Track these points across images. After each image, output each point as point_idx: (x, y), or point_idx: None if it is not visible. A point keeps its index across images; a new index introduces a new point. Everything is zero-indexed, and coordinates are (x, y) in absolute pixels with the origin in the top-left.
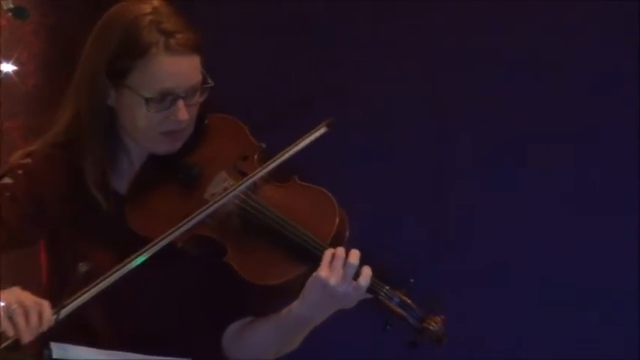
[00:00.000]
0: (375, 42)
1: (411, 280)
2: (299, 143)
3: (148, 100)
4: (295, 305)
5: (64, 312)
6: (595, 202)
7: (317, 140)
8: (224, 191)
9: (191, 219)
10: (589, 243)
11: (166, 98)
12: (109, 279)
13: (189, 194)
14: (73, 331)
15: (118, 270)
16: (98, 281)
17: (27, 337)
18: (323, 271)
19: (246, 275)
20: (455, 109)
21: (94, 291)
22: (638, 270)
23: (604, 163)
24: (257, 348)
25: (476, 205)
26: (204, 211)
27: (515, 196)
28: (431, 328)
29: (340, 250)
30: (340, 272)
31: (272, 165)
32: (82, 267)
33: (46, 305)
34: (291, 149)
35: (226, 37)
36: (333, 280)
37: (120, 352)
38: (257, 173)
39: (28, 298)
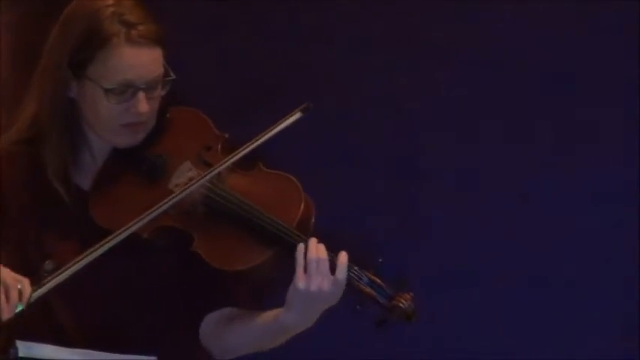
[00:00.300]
0: (342, 40)
1: (379, 260)
2: (274, 128)
3: (107, 91)
4: (282, 315)
5: (43, 290)
6: (559, 197)
7: (292, 125)
8: (189, 181)
9: (155, 209)
10: (552, 236)
11: (127, 90)
12: (89, 257)
13: (154, 186)
14: (40, 328)
15: (97, 249)
16: (77, 259)
17: (6, 315)
18: (300, 281)
19: (214, 262)
20: (423, 105)
21: (73, 269)
22: (616, 267)
23: (569, 161)
24: (239, 346)
25: (442, 192)
26: (168, 201)
27: (480, 189)
28: (400, 305)
29: (311, 253)
30: (316, 274)
31: (245, 150)
32: (49, 265)
33: (26, 283)
34: (266, 134)
35: (191, 30)
36: (313, 285)
37: (87, 351)
38: (236, 155)
39: (9, 275)
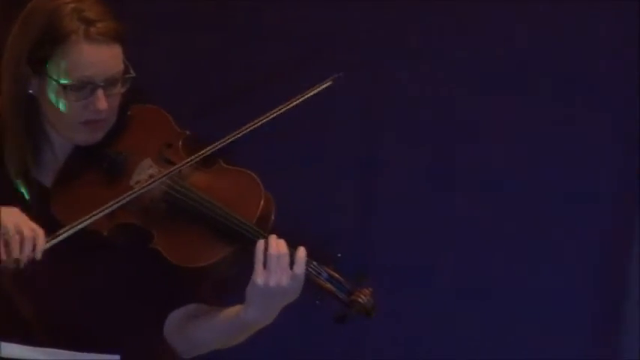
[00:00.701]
0: (307, 39)
1: (339, 255)
2: (304, 95)
3: (66, 88)
4: (243, 311)
5: (55, 241)
6: (525, 196)
7: (320, 94)
8: (149, 178)
9: (112, 204)
10: (517, 234)
11: (85, 87)
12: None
13: (115, 183)
14: (6, 326)
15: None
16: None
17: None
18: (259, 277)
19: (174, 259)
20: (386, 104)
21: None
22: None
23: (527, 160)
24: (203, 342)
25: (402, 188)
26: (126, 197)
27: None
28: (360, 300)
29: (272, 249)
30: (275, 269)
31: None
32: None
33: (41, 235)
34: (294, 101)
35: (153, 27)
36: (272, 281)
37: (49, 349)
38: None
39: (26, 225)
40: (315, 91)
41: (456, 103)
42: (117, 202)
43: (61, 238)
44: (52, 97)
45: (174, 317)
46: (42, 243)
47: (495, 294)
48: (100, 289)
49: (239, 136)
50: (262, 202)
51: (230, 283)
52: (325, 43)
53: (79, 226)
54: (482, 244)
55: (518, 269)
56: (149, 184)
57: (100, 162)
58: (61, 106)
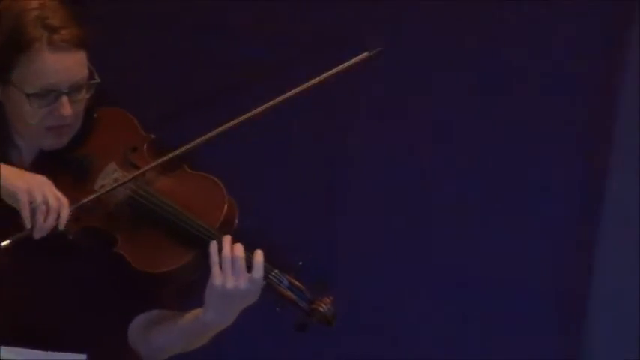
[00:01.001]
0: (265, 39)
1: (300, 263)
2: (343, 65)
3: (30, 96)
4: (202, 314)
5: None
6: (481, 196)
7: (357, 65)
8: (114, 182)
9: (73, 207)
10: (475, 234)
11: (49, 94)
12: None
13: (80, 186)
14: None
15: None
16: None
17: (39, 235)
18: (217, 279)
19: (137, 264)
20: (349, 108)
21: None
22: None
23: (493, 158)
24: (165, 346)
25: (361, 196)
26: (86, 200)
27: (404, 187)
28: (320, 309)
29: (226, 251)
30: (232, 272)
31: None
32: None
33: (66, 207)
34: (333, 71)
35: (118, 32)
36: (229, 283)
37: (17, 349)
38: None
39: (52, 195)
40: (352, 63)
41: (419, 108)
42: (77, 205)
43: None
44: (16, 104)
45: (138, 322)
46: (66, 214)
47: (460, 297)
48: (65, 291)
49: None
50: (225, 208)
51: (193, 288)
52: (285, 44)
53: None
54: (446, 249)
55: (484, 270)
56: (112, 188)
57: (65, 166)
58: (26, 113)
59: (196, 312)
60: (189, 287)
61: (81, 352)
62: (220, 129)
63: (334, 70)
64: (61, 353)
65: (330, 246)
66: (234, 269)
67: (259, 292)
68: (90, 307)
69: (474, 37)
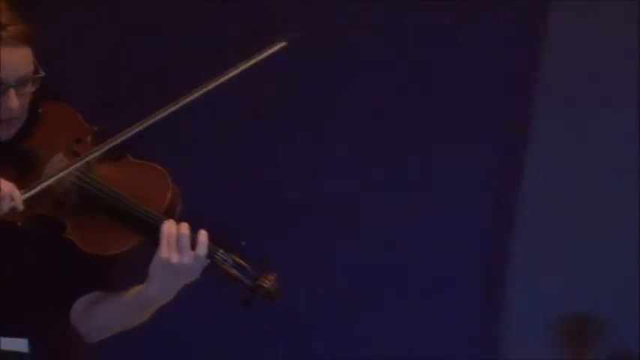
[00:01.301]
0: (202, 38)
1: (243, 244)
2: (257, 56)
3: None
4: (145, 288)
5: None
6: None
7: (275, 54)
8: (60, 171)
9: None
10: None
11: None
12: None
13: (27, 178)
14: None
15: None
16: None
17: None
18: (162, 252)
19: (86, 248)
20: (278, 94)
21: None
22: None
23: (411, 155)
24: (107, 324)
25: (301, 178)
26: (35, 186)
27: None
28: (264, 285)
29: (172, 228)
30: (177, 247)
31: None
32: None
33: (17, 194)
34: (249, 61)
35: (60, 28)
36: (174, 258)
37: None
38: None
39: (5, 185)
40: (266, 54)
41: (338, 110)
42: (27, 192)
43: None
44: None
45: (80, 303)
46: (18, 195)
47: (392, 277)
48: (14, 276)
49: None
50: (170, 194)
51: (138, 272)
52: (219, 42)
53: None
54: (373, 230)
55: (406, 261)
56: (58, 175)
57: (12, 157)
58: None
59: (138, 288)
60: (134, 270)
61: (25, 334)
62: (151, 120)
63: (254, 60)
64: (3, 338)
65: (272, 225)
66: (179, 246)
67: (201, 269)
68: (37, 292)
69: (393, 38)
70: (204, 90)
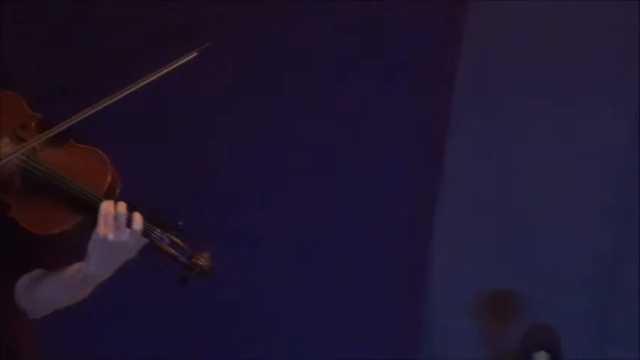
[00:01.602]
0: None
1: (180, 223)
2: (170, 66)
3: None
4: (84, 265)
5: None
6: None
7: (187, 63)
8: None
9: None
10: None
11: None
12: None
13: None
14: None
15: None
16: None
17: None
18: (100, 230)
19: (29, 227)
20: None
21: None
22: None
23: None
24: (50, 300)
25: (237, 161)
26: None
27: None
28: (199, 263)
29: (110, 207)
30: (114, 225)
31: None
32: None
33: None
34: (161, 71)
35: (8, 20)
36: (111, 235)
37: None
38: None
39: None
40: (179, 64)
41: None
42: None
43: None
44: None
45: (24, 279)
46: None
47: (318, 262)
48: None
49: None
50: (109, 177)
51: (79, 250)
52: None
53: None
54: (300, 213)
55: (330, 242)
56: (5, 159)
57: None
58: None
59: (79, 265)
60: (75, 248)
61: None
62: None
63: (166, 69)
64: None
65: (208, 206)
66: (117, 224)
67: (138, 247)
68: None
69: (310, 37)
70: (124, 93)
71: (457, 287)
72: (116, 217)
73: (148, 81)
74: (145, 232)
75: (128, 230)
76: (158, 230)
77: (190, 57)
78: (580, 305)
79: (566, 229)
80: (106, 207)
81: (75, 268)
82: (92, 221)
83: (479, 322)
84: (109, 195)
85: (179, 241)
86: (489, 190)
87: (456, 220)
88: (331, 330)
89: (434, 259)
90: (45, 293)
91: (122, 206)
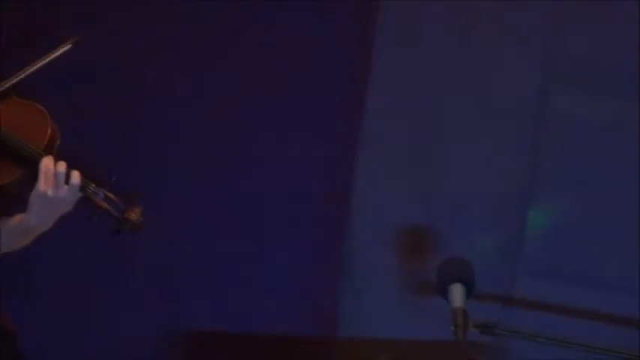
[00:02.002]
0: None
1: (113, 179)
2: (45, 58)
3: None
4: (25, 217)
5: None
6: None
7: (62, 56)
8: None
9: None
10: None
11: None
12: None
13: None
14: None
15: None
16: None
17: None
18: (41, 186)
19: None
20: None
21: None
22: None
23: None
24: None
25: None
26: None
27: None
28: (131, 218)
29: (50, 164)
30: (54, 181)
31: (18, 78)
32: None
33: None
34: (37, 64)
35: None
36: (50, 191)
37: None
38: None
39: None
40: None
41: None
42: None
43: None
44: None
45: None
46: None
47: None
48: None
49: (28, 74)
50: (49, 131)
51: (19, 200)
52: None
53: None
54: (235, 163)
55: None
56: None
57: None
58: None
59: (20, 217)
60: (17, 200)
61: None
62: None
63: (43, 61)
64: None
65: (139, 162)
66: (56, 180)
67: (74, 201)
68: None
69: (228, 35)
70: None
71: (376, 223)
72: (56, 174)
73: (30, 71)
74: (81, 187)
75: (66, 187)
76: (93, 185)
77: (65, 49)
78: (492, 239)
79: (478, 167)
80: (46, 164)
81: (17, 219)
82: (32, 175)
83: (397, 256)
84: (50, 148)
85: (112, 196)
86: (407, 129)
87: (376, 159)
88: (258, 267)
89: (355, 197)
90: None
91: (62, 165)
